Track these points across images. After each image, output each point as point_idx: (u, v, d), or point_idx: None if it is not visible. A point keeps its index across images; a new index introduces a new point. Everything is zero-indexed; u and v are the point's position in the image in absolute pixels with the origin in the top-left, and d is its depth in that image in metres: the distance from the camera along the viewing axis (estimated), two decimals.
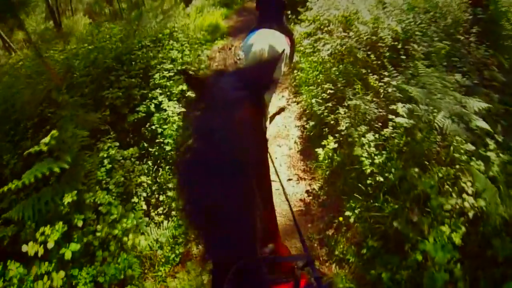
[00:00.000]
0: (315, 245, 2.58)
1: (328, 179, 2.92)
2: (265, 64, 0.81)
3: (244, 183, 0.62)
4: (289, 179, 3.04)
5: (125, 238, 2.10)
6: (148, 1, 8.53)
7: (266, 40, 3.04)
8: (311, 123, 3.29)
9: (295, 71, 4.32)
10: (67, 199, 2.00)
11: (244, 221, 0.61)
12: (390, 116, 2.49)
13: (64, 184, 2.13)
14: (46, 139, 1.92)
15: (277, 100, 4.06)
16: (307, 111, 3.62)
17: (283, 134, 3.49)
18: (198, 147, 0.65)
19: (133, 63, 3.54)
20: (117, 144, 2.54)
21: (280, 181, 1.06)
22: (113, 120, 2.98)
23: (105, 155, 2.44)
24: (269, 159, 1.02)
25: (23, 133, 2.69)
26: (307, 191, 2.93)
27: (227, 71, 0.78)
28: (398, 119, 2.44)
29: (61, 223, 2.03)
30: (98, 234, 2.12)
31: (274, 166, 1.06)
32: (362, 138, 2.54)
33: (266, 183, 0.81)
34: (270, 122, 3.76)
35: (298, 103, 3.92)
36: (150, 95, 3.15)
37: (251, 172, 0.63)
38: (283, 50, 3.09)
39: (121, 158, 2.62)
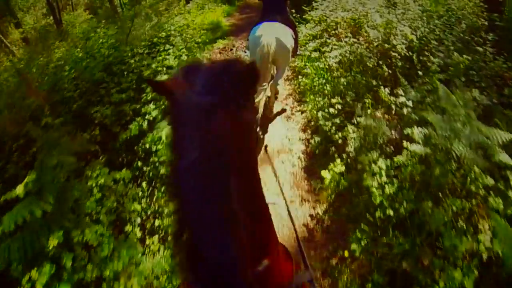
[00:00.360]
0: (318, 275, 2.43)
1: (333, 203, 2.75)
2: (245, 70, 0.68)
3: (224, 203, 0.58)
4: (291, 201, 2.86)
5: (116, 285, 1.97)
6: None
7: (273, 33, 2.99)
8: (317, 138, 3.09)
9: (299, 77, 4.07)
10: (53, 242, 1.86)
11: (225, 246, 0.56)
12: (405, 144, 2.26)
13: (50, 220, 1.98)
14: (20, 189, 1.75)
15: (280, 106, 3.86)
16: (312, 123, 3.40)
17: (286, 148, 3.31)
18: (173, 166, 0.60)
19: (125, 73, 3.31)
20: (107, 170, 2.37)
21: (286, 205, 1.00)
22: (103, 139, 2.80)
23: (94, 184, 2.27)
24: (276, 179, 1.03)
25: (8, 156, 2.52)
26: (310, 215, 2.76)
27: (198, 66, 0.68)
28: (413, 147, 2.22)
29: (48, 266, 1.91)
30: (88, 274, 1.98)
31: (280, 188, 1.01)
32: (373, 165, 2.33)
33: (257, 196, 0.75)
34: (271, 122, 3.62)
35: (302, 112, 3.69)
36: (143, 110, 2.94)
37: (235, 187, 0.58)
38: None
39: (112, 182, 2.45)
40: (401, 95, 2.59)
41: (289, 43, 3.10)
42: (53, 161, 2.10)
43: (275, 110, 3.85)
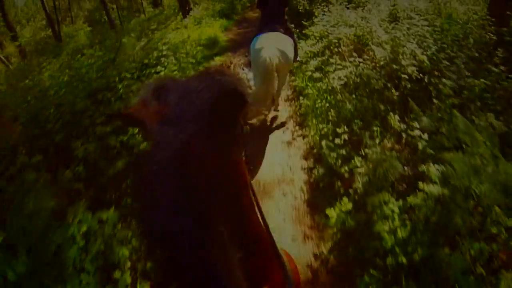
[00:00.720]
0: None
1: (339, 241, 2.52)
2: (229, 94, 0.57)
3: (210, 242, 0.53)
4: (294, 239, 2.63)
5: None
6: (148, 9, 8.03)
7: (274, 45, 2.99)
8: (320, 170, 2.88)
9: (300, 98, 3.87)
10: None
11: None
12: (421, 185, 2.05)
13: (27, 278, 1.77)
14: None
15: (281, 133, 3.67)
16: (315, 150, 3.19)
17: (287, 178, 3.09)
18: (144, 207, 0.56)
19: (112, 100, 3.10)
20: (90, 215, 2.16)
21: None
22: (88, 174, 2.59)
23: (76, 231, 2.06)
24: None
25: None
26: (314, 255, 2.54)
27: (171, 85, 0.59)
28: (429, 188, 2.01)
29: None
30: None
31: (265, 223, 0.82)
32: (384, 207, 2.11)
33: (251, 222, 0.70)
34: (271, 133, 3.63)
35: (304, 137, 3.48)
36: (131, 141, 2.73)
37: (219, 221, 0.55)
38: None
39: (98, 226, 2.24)
40: (416, 128, 2.37)
41: (290, 52, 3.14)
42: (29, 208, 1.89)
43: (274, 124, 3.75)
